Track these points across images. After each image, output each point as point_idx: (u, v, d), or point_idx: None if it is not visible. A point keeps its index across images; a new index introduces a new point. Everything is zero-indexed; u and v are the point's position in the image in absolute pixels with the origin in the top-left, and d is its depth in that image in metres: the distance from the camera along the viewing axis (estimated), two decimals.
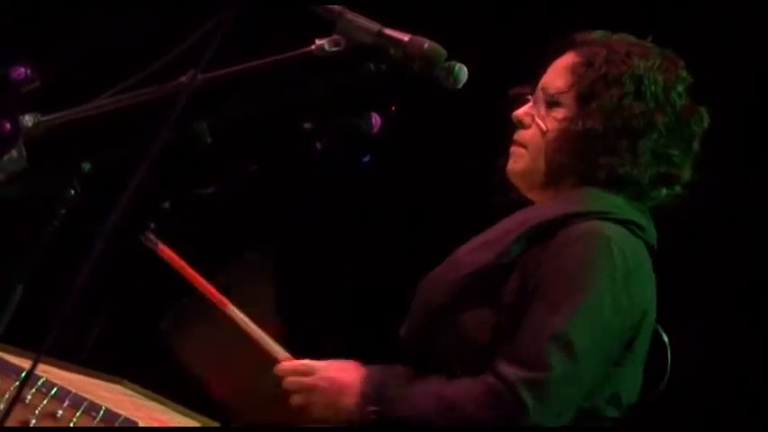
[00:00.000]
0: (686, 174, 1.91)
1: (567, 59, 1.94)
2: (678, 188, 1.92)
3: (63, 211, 1.78)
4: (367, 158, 2.20)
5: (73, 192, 1.80)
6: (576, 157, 1.88)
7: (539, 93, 1.96)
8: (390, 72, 1.93)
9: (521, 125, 1.97)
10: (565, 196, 1.90)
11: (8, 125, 1.59)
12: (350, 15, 1.78)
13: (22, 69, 1.63)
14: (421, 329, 1.87)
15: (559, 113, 1.91)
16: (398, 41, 1.77)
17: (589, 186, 1.88)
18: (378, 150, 2.19)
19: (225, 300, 1.92)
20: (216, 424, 2.04)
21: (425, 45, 1.77)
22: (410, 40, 1.77)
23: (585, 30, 1.99)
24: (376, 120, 2.23)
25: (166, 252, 1.98)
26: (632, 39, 1.96)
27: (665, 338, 1.93)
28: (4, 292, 1.74)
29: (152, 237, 2.01)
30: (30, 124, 1.65)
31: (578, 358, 1.71)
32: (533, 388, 1.69)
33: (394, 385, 1.81)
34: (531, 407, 1.67)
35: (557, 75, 1.95)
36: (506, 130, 2.00)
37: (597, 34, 1.96)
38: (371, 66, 1.96)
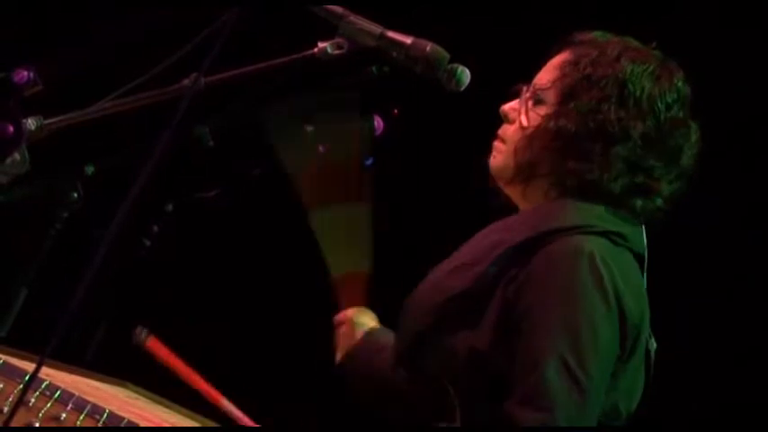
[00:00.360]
0: (665, 187, 1.84)
1: (560, 57, 1.92)
2: (659, 201, 1.85)
3: (66, 215, 1.78)
4: (369, 161, 2.20)
5: (76, 195, 1.80)
6: (546, 157, 1.85)
7: (527, 88, 1.94)
8: (393, 75, 1.94)
9: (506, 119, 1.95)
10: (541, 210, 1.86)
11: (11, 128, 1.59)
12: (352, 18, 1.78)
13: (25, 72, 1.63)
14: (408, 354, 1.85)
15: (541, 110, 1.88)
16: (401, 44, 1.77)
17: (565, 198, 1.84)
18: (380, 152, 2.19)
19: (217, 394, 2.02)
20: (216, 425, 2.04)
21: (428, 48, 1.77)
22: (413, 43, 1.77)
23: (588, 30, 1.96)
24: (378, 122, 2.23)
25: (156, 347, 2.06)
26: (633, 43, 1.91)
27: (653, 345, 1.90)
28: (7, 296, 1.74)
29: (143, 332, 2.09)
30: (33, 127, 1.65)
31: (582, 383, 1.67)
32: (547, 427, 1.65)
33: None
34: None
35: (547, 71, 1.93)
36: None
37: (596, 35, 1.92)
38: (374, 68, 1.97)
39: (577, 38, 1.94)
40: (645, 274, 1.87)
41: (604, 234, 1.78)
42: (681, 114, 1.86)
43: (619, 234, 1.80)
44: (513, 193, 1.94)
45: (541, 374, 1.66)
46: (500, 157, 1.94)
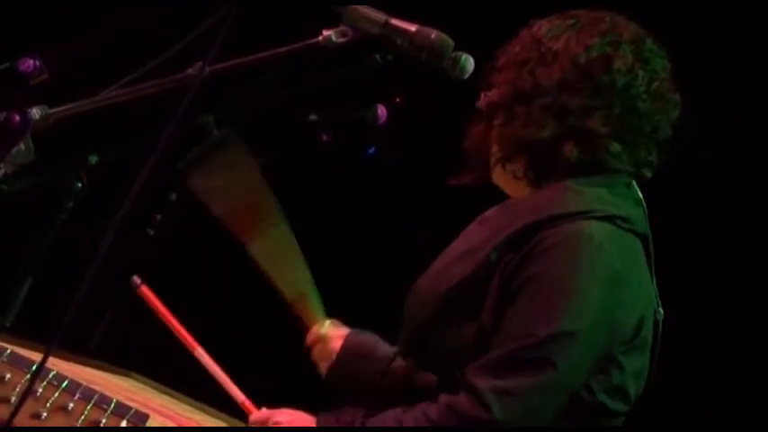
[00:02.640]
0: (601, 127, 1.83)
1: None
2: (615, 146, 1.83)
3: (70, 204, 1.78)
4: (372, 150, 2.20)
5: (80, 184, 1.80)
6: (489, 133, 1.91)
7: None
8: (397, 63, 1.93)
9: None
10: (543, 195, 1.86)
11: (17, 118, 1.59)
12: (357, 6, 1.78)
13: (31, 62, 1.62)
14: (413, 344, 1.87)
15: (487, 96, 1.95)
16: (405, 32, 1.77)
17: (567, 181, 1.85)
18: (383, 141, 2.19)
19: (194, 343, 2.09)
20: (222, 414, 2.05)
21: (432, 35, 1.76)
22: (417, 31, 1.77)
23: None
24: (382, 111, 2.23)
25: (147, 294, 2.13)
26: (570, 12, 1.94)
27: (660, 314, 1.90)
28: (12, 285, 1.74)
29: (137, 281, 2.16)
30: (37, 117, 1.65)
31: (558, 365, 1.68)
32: (503, 396, 1.66)
33: (348, 421, 1.84)
34: (496, 412, 1.65)
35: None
36: None
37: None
38: (378, 57, 1.96)
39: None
40: (652, 254, 1.87)
41: (608, 218, 1.78)
42: (606, 50, 1.86)
43: (622, 217, 1.80)
44: (498, 179, 1.95)
45: (515, 347, 1.68)
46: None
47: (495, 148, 1.91)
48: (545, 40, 1.88)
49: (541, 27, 1.91)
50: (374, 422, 1.78)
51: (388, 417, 1.75)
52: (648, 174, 1.92)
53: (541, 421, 1.70)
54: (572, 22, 1.90)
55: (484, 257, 1.79)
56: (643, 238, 1.85)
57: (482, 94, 1.96)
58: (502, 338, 1.71)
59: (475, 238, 1.87)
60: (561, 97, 1.84)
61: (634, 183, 1.90)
